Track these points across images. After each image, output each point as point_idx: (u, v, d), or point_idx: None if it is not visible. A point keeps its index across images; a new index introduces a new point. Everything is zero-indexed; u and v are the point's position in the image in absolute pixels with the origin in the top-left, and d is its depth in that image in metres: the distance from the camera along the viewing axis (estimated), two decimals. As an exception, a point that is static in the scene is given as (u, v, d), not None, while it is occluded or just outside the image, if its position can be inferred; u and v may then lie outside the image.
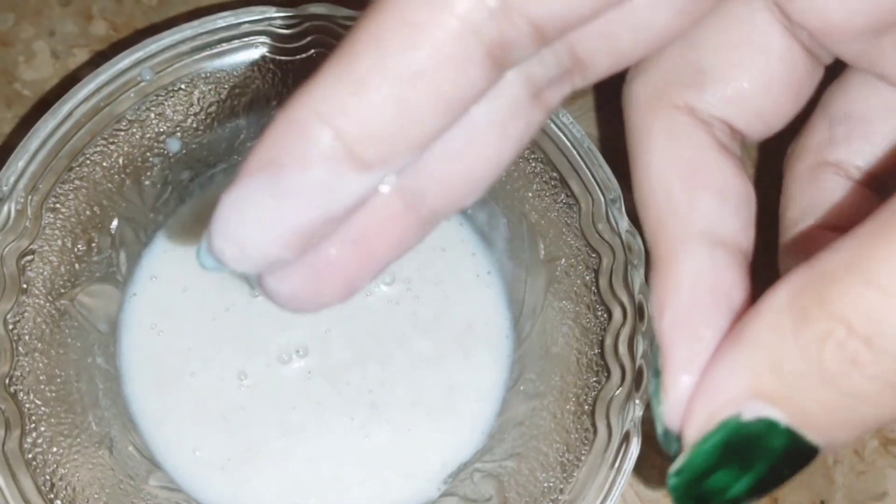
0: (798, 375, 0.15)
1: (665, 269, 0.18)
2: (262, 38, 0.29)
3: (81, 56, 0.35)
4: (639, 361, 0.26)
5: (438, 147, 0.16)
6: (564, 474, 0.26)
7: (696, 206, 0.19)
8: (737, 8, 0.20)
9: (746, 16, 0.19)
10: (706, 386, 0.17)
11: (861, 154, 0.22)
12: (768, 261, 0.22)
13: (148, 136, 0.29)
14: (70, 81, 0.32)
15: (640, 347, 0.27)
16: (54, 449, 0.26)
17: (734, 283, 0.18)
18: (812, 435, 0.16)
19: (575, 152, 0.28)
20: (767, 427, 0.16)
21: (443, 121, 0.15)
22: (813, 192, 0.22)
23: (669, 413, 0.18)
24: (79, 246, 0.28)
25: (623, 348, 0.27)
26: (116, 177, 0.28)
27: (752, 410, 0.16)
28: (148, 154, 0.29)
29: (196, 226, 0.31)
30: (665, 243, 0.19)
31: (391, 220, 0.16)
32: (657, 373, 0.18)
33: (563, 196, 0.28)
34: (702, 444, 0.17)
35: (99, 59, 0.35)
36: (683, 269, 0.18)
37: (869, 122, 0.22)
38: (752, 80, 0.20)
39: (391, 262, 0.17)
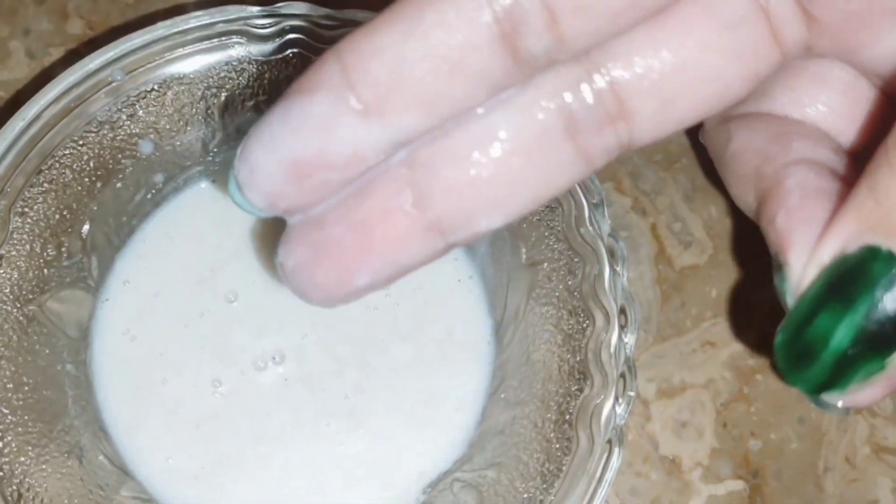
0: None
1: (772, 192, 0.19)
2: (238, 38, 0.28)
3: (57, 55, 0.34)
4: (621, 368, 0.26)
5: (451, 144, 0.16)
6: (545, 484, 0.26)
7: (789, 147, 0.20)
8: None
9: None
10: (819, 243, 0.17)
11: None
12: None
13: (119, 137, 0.28)
14: (45, 81, 0.31)
15: (623, 354, 0.26)
16: (22, 458, 0.25)
17: (837, 189, 0.18)
18: None
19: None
20: (868, 253, 0.16)
21: (445, 88, 0.15)
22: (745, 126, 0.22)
23: (796, 286, 0.17)
24: (48, 250, 0.27)
25: (605, 355, 0.26)
26: (87, 179, 0.28)
27: (856, 242, 0.16)
28: (120, 156, 0.28)
29: (171, 229, 0.30)
30: (768, 178, 0.19)
31: (396, 212, 0.17)
32: (779, 267, 0.18)
33: (544, 199, 0.27)
34: (807, 290, 0.17)
35: (75, 58, 0.34)
36: (788, 182, 0.19)
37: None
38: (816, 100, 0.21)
39: (391, 269, 0.17)
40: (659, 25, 0.17)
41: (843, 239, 0.17)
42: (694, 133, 0.36)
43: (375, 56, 0.15)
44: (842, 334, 0.16)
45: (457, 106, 0.16)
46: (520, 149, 0.16)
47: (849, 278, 0.16)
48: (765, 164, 0.20)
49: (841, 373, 0.17)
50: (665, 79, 0.17)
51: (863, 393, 0.17)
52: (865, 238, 0.16)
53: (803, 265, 0.17)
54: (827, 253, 0.17)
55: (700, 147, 0.35)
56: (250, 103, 0.29)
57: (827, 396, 0.17)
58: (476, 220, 0.17)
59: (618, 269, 0.26)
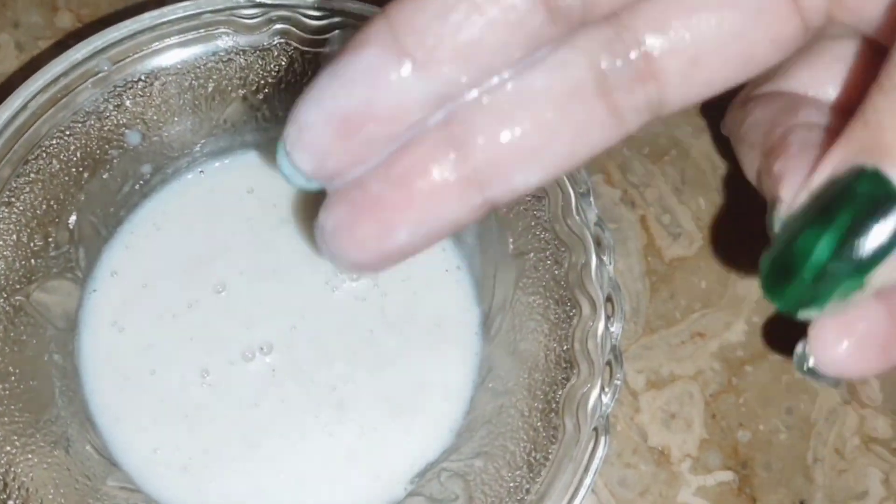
0: (890, 118, 0.16)
1: (774, 149, 0.20)
2: (225, 29, 0.28)
3: (46, 48, 0.34)
4: (607, 357, 0.26)
5: (488, 101, 0.17)
6: (531, 473, 0.25)
7: (796, 115, 0.21)
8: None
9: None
10: (811, 173, 0.18)
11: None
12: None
13: (107, 128, 0.28)
14: (33, 73, 0.32)
15: (609, 342, 0.26)
16: (7, 448, 0.25)
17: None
18: None
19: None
20: (855, 173, 0.16)
21: (484, 39, 0.16)
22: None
23: (786, 213, 0.18)
24: (35, 241, 0.27)
25: (592, 343, 0.26)
26: (74, 170, 0.28)
27: (845, 163, 0.17)
28: (107, 146, 0.28)
29: (158, 220, 0.30)
30: (772, 140, 0.20)
31: (435, 165, 0.17)
32: (772, 205, 0.19)
33: (531, 188, 0.27)
34: (795, 213, 0.17)
35: (63, 51, 0.34)
36: (790, 139, 0.19)
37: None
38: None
39: (430, 224, 0.17)
40: None
41: (834, 165, 0.17)
42: (682, 126, 0.36)
43: (419, 11, 0.16)
44: (821, 249, 0.17)
45: (495, 57, 0.17)
46: (553, 103, 0.17)
47: (834, 197, 0.17)
48: (772, 129, 0.21)
49: (820, 288, 0.17)
50: (690, 38, 0.18)
51: (846, 352, 0.18)
52: (854, 160, 0.17)
53: (794, 194, 0.18)
54: (817, 180, 0.17)
55: (688, 140, 0.35)
56: (237, 94, 0.29)
57: (805, 314, 0.17)
58: (513, 174, 0.17)
59: (604, 257, 0.26)
